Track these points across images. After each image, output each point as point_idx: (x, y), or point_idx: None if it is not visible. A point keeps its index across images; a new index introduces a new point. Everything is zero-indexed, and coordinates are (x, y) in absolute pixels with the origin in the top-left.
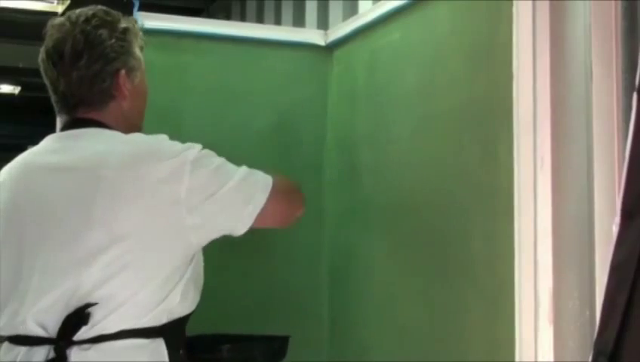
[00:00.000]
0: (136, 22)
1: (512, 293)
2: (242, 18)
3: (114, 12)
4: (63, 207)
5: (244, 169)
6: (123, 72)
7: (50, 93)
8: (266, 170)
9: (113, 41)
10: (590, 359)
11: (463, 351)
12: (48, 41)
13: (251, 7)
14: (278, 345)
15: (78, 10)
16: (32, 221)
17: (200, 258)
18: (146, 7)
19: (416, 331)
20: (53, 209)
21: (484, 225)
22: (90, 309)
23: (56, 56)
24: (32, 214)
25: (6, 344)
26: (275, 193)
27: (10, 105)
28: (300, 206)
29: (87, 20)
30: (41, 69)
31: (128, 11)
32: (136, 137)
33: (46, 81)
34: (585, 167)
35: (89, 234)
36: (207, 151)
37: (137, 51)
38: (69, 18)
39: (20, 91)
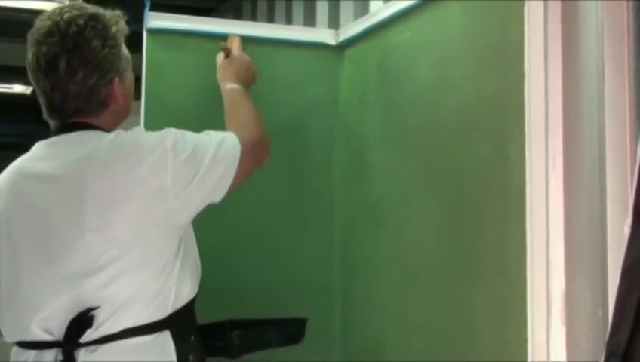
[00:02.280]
0: (120, 15)
1: (523, 294)
2: (253, 18)
3: (101, 13)
4: (54, 217)
5: (214, 140)
6: (117, 79)
7: (41, 99)
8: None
9: (106, 50)
10: (602, 359)
11: (475, 352)
12: (37, 50)
13: (262, 7)
14: (293, 328)
15: (66, 15)
16: (25, 233)
17: (193, 246)
18: (156, 6)
19: (427, 331)
20: (45, 220)
21: (495, 225)
22: (93, 312)
23: (50, 71)
24: (25, 226)
25: (15, 348)
26: (244, 156)
27: (22, 105)
28: (264, 156)
29: (80, 32)
30: (31, 77)
31: (140, 11)
32: (118, 136)
33: (36, 89)
34: (597, 167)
35: (84, 243)
36: (181, 133)
37: (124, 48)
38: (57, 26)
39: (32, 91)
